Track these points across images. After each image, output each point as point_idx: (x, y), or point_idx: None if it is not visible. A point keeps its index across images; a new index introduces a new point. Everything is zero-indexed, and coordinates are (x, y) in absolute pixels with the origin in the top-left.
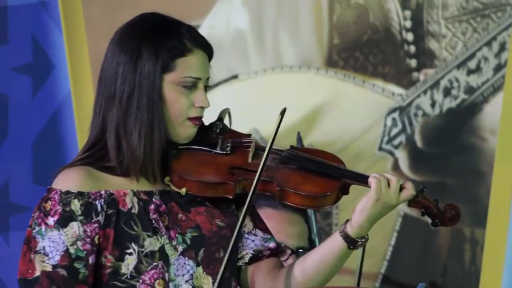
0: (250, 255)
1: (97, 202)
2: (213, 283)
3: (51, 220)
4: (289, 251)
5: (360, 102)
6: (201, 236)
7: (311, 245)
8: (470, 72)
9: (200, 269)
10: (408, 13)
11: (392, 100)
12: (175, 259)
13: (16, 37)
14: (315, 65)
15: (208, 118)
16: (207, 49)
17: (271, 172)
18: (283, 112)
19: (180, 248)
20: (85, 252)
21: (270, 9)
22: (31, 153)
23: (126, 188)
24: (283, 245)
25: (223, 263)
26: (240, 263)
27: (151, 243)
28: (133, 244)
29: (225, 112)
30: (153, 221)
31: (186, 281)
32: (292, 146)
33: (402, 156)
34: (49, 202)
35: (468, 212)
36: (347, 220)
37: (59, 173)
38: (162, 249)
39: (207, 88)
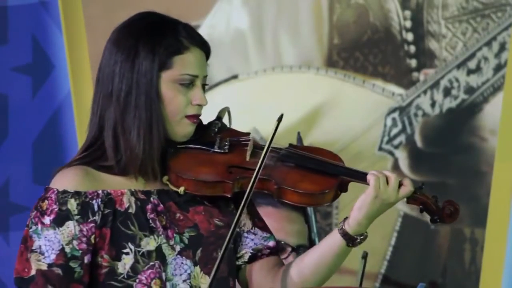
0: (250, 254)
1: (94, 201)
2: None
3: (47, 219)
4: (289, 249)
5: (360, 102)
6: (199, 236)
7: (311, 245)
8: (470, 72)
9: (197, 268)
10: (408, 13)
11: (392, 100)
12: (172, 259)
13: (16, 37)
14: (315, 65)
15: (208, 118)
16: (204, 47)
17: (269, 170)
18: (280, 119)
19: (178, 248)
20: (80, 251)
21: (270, 9)
22: (31, 153)
23: (124, 188)
24: (283, 242)
25: (217, 261)
26: (239, 262)
27: (148, 243)
28: (129, 244)
29: (225, 111)
30: (150, 221)
31: (184, 281)
32: (290, 144)
33: (402, 156)
34: (46, 202)
35: (468, 212)
36: (346, 218)
37: (56, 173)
38: (159, 248)
39: (204, 86)
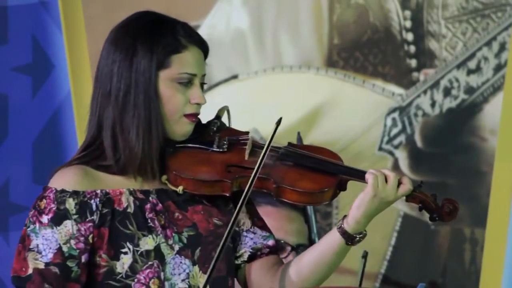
0: (249, 253)
1: (92, 201)
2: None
3: (45, 218)
4: (289, 248)
5: (360, 102)
6: (198, 235)
7: (311, 245)
8: (470, 72)
9: (196, 268)
10: (408, 13)
11: (392, 100)
12: (171, 258)
13: (16, 37)
14: (315, 65)
15: (208, 118)
16: (202, 46)
17: (268, 169)
18: (278, 122)
19: (177, 247)
20: (78, 250)
21: (270, 9)
22: (31, 153)
23: (122, 187)
24: (282, 241)
25: (213, 259)
26: (238, 261)
27: (146, 242)
28: (128, 244)
29: (224, 110)
30: (149, 220)
31: (182, 280)
32: (289, 143)
33: (402, 156)
34: (44, 201)
35: (468, 212)
36: (345, 216)
37: (55, 173)
38: (157, 248)
39: (203, 85)
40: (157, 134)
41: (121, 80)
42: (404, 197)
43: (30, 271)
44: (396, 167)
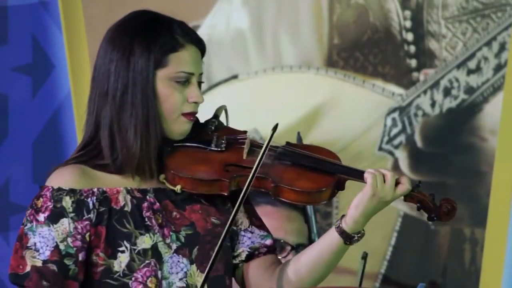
0: (247, 252)
1: (89, 199)
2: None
3: (41, 217)
4: (289, 248)
5: (360, 102)
6: (196, 234)
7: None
8: (470, 72)
9: (194, 267)
10: (408, 13)
11: (392, 100)
12: (168, 257)
13: (16, 37)
14: (315, 65)
15: (207, 118)
16: (199, 45)
17: (266, 169)
18: (275, 128)
19: (174, 246)
20: (75, 249)
21: (270, 9)
22: (31, 153)
23: (120, 186)
24: (282, 241)
25: (211, 259)
26: (236, 260)
27: (143, 241)
28: (125, 242)
29: (221, 109)
30: (146, 219)
31: (180, 279)
32: (287, 143)
33: (402, 156)
34: (41, 199)
35: (468, 212)
36: (343, 216)
37: (52, 172)
38: (154, 247)
39: (200, 84)
40: (155, 133)
41: (118, 80)
42: (403, 197)
43: (28, 268)
44: (396, 167)
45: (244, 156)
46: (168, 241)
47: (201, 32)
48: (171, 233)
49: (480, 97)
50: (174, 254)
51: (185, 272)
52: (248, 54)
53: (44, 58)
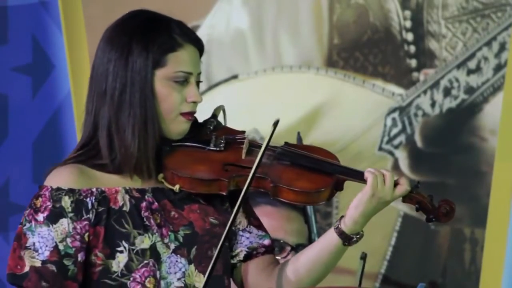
0: (245, 252)
1: (87, 199)
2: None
3: (40, 216)
4: (288, 248)
5: (360, 102)
6: (194, 234)
7: None
8: (470, 72)
9: (192, 267)
10: (408, 13)
11: (392, 100)
12: (167, 257)
13: (16, 37)
14: (315, 65)
15: (206, 117)
16: (198, 44)
17: (265, 169)
18: (276, 124)
19: (172, 246)
20: (74, 249)
21: (270, 9)
22: (31, 153)
23: (118, 186)
24: (282, 241)
25: (212, 260)
26: (234, 260)
27: (142, 241)
28: (123, 242)
29: (220, 109)
30: (145, 219)
31: (178, 279)
32: (286, 143)
33: (402, 156)
34: (40, 199)
35: (468, 212)
36: (342, 216)
37: (51, 171)
38: (153, 247)
39: (198, 83)
40: (153, 133)
41: (116, 79)
42: (401, 198)
43: (26, 269)
44: (396, 167)
45: (243, 156)
46: (166, 241)
47: (201, 32)
48: (169, 233)
49: (480, 97)
50: (173, 254)
51: (183, 272)
52: (248, 54)
53: (44, 58)
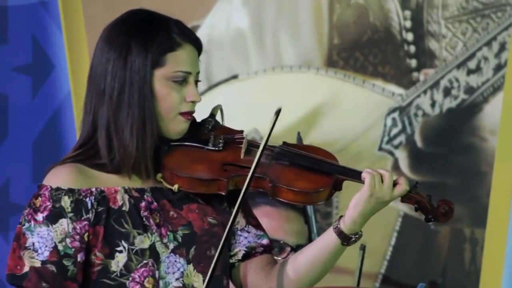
0: (243, 252)
1: (87, 199)
2: (204, 281)
3: (40, 216)
4: (288, 249)
5: (360, 102)
6: (193, 234)
7: None
8: (470, 72)
9: (191, 267)
10: (408, 13)
11: (392, 100)
12: (165, 257)
13: (16, 37)
14: (315, 65)
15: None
16: (196, 43)
17: (264, 169)
18: (278, 112)
19: (171, 246)
20: (73, 249)
21: (270, 9)
22: (31, 153)
23: (117, 185)
24: (282, 242)
25: (213, 260)
26: (233, 260)
27: (141, 241)
28: (123, 242)
29: (217, 108)
30: (144, 219)
31: (177, 279)
32: (284, 142)
33: (402, 156)
34: (39, 199)
35: (468, 212)
36: (341, 216)
37: (49, 170)
38: (152, 246)
39: (197, 82)
40: (152, 133)
41: (115, 79)
42: (400, 198)
43: (26, 269)
44: (396, 167)
45: (242, 156)
46: (165, 240)
47: (201, 32)
48: (168, 232)
49: (480, 97)
50: (171, 254)
51: (182, 272)
52: (248, 54)
53: (44, 58)
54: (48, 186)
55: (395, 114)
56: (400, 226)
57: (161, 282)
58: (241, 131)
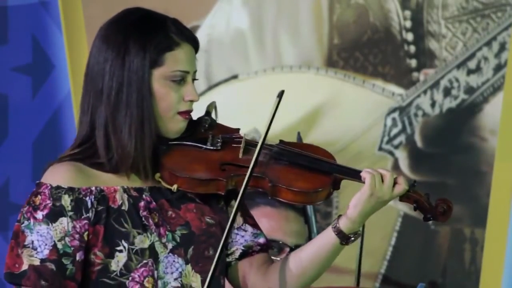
0: (241, 251)
1: (87, 198)
2: (202, 281)
3: (39, 214)
4: (287, 249)
5: (360, 102)
6: (191, 234)
7: None
8: (470, 72)
9: (189, 267)
10: (408, 13)
11: (392, 100)
12: (164, 257)
13: (16, 37)
14: (315, 65)
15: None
16: (194, 42)
17: (263, 168)
18: (280, 95)
19: (170, 246)
20: (72, 248)
21: (270, 9)
22: (31, 153)
23: (116, 185)
24: (281, 242)
25: (213, 262)
26: (230, 259)
27: (141, 241)
28: (123, 241)
29: (212, 105)
30: (143, 218)
31: (175, 279)
32: (281, 141)
33: (402, 156)
34: (39, 197)
35: (468, 212)
36: (340, 216)
37: (48, 168)
38: (152, 246)
39: (194, 81)
40: (150, 133)
41: (113, 79)
42: (398, 197)
43: (24, 267)
44: (396, 167)
45: (240, 155)
46: (164, 240)
47: (201, 32)
48: (167, 232)
49: (480, 97)
50: (170, 254)
51: (180, 272)
52: (248, 54)
53: (44, 58)
54: (48, 185)
55: (395, 114)
56: (400, 226)
57: (159, 282)
58: (238, 129)
